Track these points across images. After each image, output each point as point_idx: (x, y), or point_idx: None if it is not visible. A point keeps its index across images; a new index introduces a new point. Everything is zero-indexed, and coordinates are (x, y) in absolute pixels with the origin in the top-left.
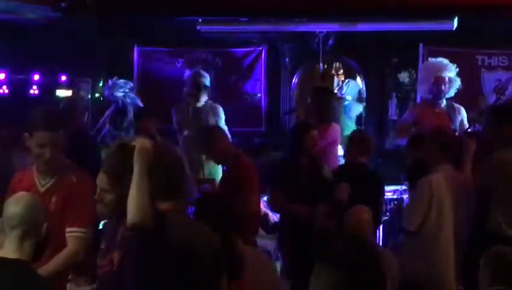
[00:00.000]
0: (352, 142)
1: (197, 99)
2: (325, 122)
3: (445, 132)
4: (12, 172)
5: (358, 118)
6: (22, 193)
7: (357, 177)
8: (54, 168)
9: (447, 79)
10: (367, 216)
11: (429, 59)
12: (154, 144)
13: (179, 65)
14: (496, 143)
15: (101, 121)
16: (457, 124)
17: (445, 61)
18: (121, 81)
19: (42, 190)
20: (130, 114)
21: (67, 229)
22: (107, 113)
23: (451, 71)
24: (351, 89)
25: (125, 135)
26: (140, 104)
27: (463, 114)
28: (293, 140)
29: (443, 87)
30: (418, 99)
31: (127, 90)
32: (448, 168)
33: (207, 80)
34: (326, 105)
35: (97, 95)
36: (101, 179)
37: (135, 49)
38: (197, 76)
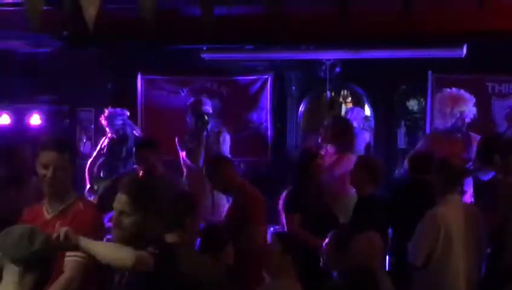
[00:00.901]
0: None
1: (201, 128)
2: (343, 152)
3: (453, 161)
4: (17, 213)
5: (366, 147)
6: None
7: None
8: (59, 193)
9: (465, 114)
10: (378, 242)
11: (445, 90)
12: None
13: (183, 94)
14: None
15: (96, 151)
16: (473, 154)
17: (461, 93)
18: (118, 109)
19: (48, 217)
20: (130, 143)
21: (66, 254)
22: (103, 143)
23: (467, 103)
24: (355, 116)
25: (123, 166)
26: (139, 133)
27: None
28: (299, 169)
29: (460, 122)
30: (428, 128)
31: (125, 118)
32: (456, 199)
33: (208, 107)
34: (346, 135)
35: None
36: (121, 201)
37: (139, 77)
38: (196, 104)
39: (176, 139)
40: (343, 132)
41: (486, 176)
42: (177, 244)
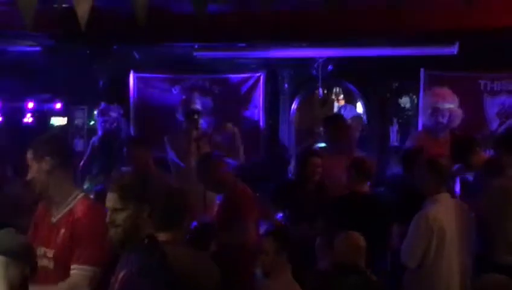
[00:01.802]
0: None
1: (192, 126)
2: (343, 152)
3: (441, 161)
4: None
5: (358, 145)
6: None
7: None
8: (55, 196)
9: (446, 111)
10: (359, 242)
11: (433, 87)
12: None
13: (175, 92)
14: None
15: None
16: None
17: (446, 91)
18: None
19: (54, 220)
20: (122, 140)
21: (71, 267)
22: (94, 140)
23: (451, 102)
24: (347, 114)
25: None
26: (132, 132)
27: None
28: (296, 167)
29: (441, 119)
30: (420, 125)
31: (120, 113)
32: (446, 197)
33: (198, 106)
34: (344, 134)
35: (92, 123)
36: (111, 199)
37: (132, 75)
38: (187, 101)
39: (166, 139)
40: (337, 131)
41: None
42: (170, 242)
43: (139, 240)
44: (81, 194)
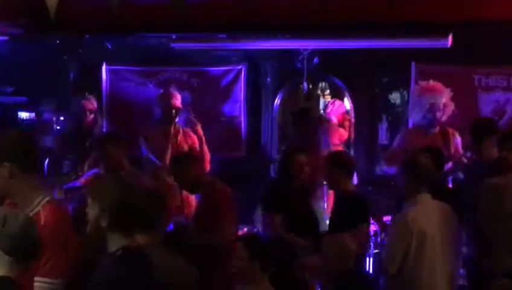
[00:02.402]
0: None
1: (169, 123)
2: (312, 151)
3: (420, 159)
4: None
5: (345, 143)
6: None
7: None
8: (15, 204)
9: (441, 105)
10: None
11: (420, 82)
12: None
13: (151, 85)
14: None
15: (57, 146)
16: (452, 150)
17: (438, 85)
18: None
19: None
20: (95, 135)
21: (34, 279)
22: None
23: (445, 95)
24: (336, 110)
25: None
26: (105, 127)
27: (457, 139)
28: (280, 166)
29: (438, 114)
30: (410, 122)
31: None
32: (426, 198)
33: (178, 100)
34: (309, 130)
35: (62, 118)
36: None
37: (104, 67)
38: (166, 97)
39: (141, 135)
40: (304, 127)
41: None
42: (147, 245)
43: (112, 252)
44: (46, 199)
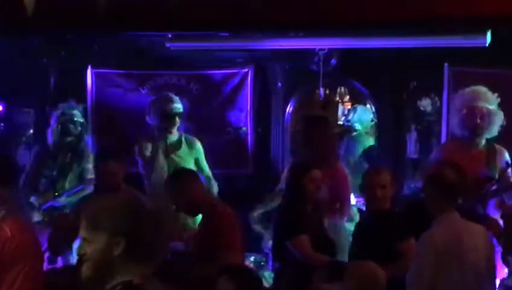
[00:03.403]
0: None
1: (169, 132)
2: (326, 165)
3: (447, 173)
4: None
5: (369, 156)
6: None
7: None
8: None
9: (484, 110)
10: (379, 274)
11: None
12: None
13: (143, 92)
14: None
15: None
16: (497, 170)
17: (483, 88)
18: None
19: None
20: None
21: None
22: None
23: (490, 102)
24: (359, 116)
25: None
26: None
27: (506, 158)
28: (291, 186)
29: (478, 120)
30: (444, 132)
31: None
32: (454, 218)
33: (179, 107)
34: (324, 140)
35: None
36: (81, 228)
37: (89, 71)
38: (165, 101)
39: (136, 147)
40: (318, 136)
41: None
42: (146, 279)
43: (111, 287)
44: (2, 212)
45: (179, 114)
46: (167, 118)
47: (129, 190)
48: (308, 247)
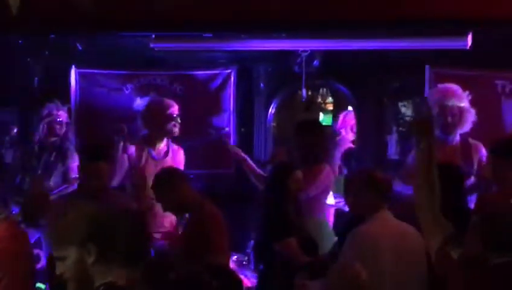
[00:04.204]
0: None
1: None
2: (314, 165)
3: (378, 176)
4: None
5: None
6: None
7: None
8: None
9: (455, 109)
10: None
11: (438, 86)
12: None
13: (127, 92)
14: None
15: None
16: (474, 164)
17: (454, 87)
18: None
19: None
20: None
21: None
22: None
23: (461, 99)
24: (346, 122)
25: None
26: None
27: (481, 152)
28: (274, 187)
29: (449, 118)
30: None
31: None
32: (385, 216)
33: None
34: (316, 143)
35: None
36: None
37: (73, 71)
38: (167, 105)
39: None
40: (311, 139)
41: None
42: (130, 282)
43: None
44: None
45: (177, 118)
46: (171, 121)
47: (113, 192)
48: (298, 250)
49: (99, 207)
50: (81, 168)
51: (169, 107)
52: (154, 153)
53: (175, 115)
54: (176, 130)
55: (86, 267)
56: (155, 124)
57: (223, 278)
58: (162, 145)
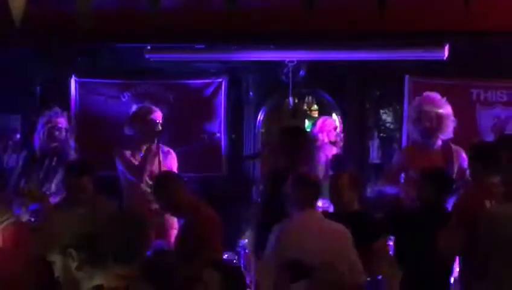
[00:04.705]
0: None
1: (151, 142)
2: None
3: (308, 176)
4: None
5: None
6: None
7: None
8: None
9: (433, 114)
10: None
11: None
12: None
13: (124, 99)
14: None
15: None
16: (455, 168)
17: (433, 94)
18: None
19: None
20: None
21: None
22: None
23: (439, 106)
24: (325, 127)
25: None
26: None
27: (462, 157)
28: (272, 189)
29: (427, 123)
30: (404, 140)
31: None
32: (311, 214)
33: (159, 115)
34: (299, 149)
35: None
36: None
37: (73, 80)
38: (146, 111)
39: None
40: (294, 145)
41: None
42: (125, 280)
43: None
44: (7, 221)
45: (162, 126)
46: (153, 127)
47: (99, 198)
48: None
49: (82, 214)
50: (66, 184)
51: (152, 112)
52: (141, 155)
53: (158, 121)
54: (158, 132)
55: (71, 271)
56: (139, 128)
57: (227, 268)
58: (152, 148)
